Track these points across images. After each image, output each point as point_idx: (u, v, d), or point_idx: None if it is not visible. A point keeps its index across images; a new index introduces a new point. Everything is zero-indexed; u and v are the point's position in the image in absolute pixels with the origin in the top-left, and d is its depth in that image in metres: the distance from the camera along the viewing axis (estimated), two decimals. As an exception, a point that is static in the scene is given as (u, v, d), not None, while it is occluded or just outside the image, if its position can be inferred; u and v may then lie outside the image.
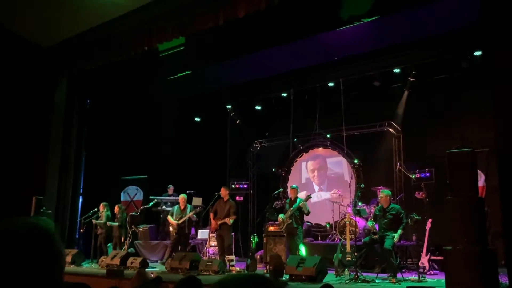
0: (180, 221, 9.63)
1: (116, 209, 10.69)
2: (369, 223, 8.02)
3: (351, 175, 11.28)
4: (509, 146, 5.54)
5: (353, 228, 8.27)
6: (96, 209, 10.68)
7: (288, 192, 9.65)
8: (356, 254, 7.53)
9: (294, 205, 8.56)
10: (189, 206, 9.96)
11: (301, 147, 12.73)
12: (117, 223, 10.52)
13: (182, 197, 10.00)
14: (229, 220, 8.96)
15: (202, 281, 3.55)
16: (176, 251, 9.55)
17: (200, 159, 13.48)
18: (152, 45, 9.58)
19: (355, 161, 11.50)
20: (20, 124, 10.67)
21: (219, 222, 9.04)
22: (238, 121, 13.79)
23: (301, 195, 9.37)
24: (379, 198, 7.88)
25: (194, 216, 9.83)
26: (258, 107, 13.35)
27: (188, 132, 14.06)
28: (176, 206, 10.03)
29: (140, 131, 13.10)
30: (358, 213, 9.33)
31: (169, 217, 9.90)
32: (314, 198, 11.12)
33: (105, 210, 10.68)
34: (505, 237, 5.54)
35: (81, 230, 10.94)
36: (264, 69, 11.79)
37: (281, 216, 8.74)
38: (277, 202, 10.94)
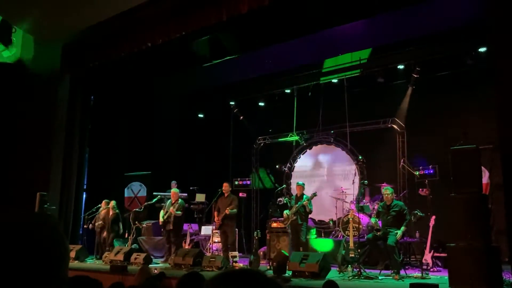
0: (165, 217, 9.68)
1: (111, 204, 10.68)
2: (373, 220, 8.02)
3: (354, 172, 11.26)
4: (513, 143, 5.52)
5: (357, 225, 8.27)
6: (99, 205, 10.71)
7: (294, 189, 9.65)
8: (359, 250, 7.54)
9: (299, 202, 8.57)
10: (180, 201, 9.94)
11: (305, 144, 12.72)
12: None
13: (173, 192, 10.04)
14: (228, 210, 8.96)
15: (205, 277, 3.56)
16: (169, 248, 9.62)
17: (204, 155, 13.49)
18: (155, 41, 9.58)
19: (360, 157, 11.47)
20: (23, 120, 10.70)
21: (221, 216, 9.08)
22: (241, 117, 13.78)
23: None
24: (386, 196, 7.85)
25: (177, 212, 9.71)
26: (261, 104, 13.34)
27: (191, 128, 14.07)
28: (169, 201, 10.05)
29: (144, 127, 13.12)
30: (361, 209, 9.32)
31: (160, 213, 9.94)
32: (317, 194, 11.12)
33: (107, 207, 10.69)
34: (508, 234, 5.53)
35: (84, 226, 10.99)
36: (267, 66, 11.77)
37: (286, 212, 8.75)
38: (280, 199, 10.93)
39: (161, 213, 9.89)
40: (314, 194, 8.83)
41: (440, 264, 8.18)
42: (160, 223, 9.86)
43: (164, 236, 9.97)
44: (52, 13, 9.67)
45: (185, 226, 10.73)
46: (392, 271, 7.26)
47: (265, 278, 0.98)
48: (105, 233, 10.45)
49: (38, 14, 9.73)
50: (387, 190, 7.87)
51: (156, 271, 6.79)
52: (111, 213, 10.50)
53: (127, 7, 9.34)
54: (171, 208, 9.66)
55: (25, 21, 10.06)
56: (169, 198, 11.58)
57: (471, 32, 9.25)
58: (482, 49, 9.54)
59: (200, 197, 11.55)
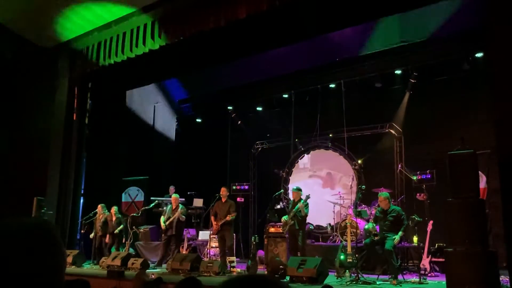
0: (167, 222, 9.66)
1: (112, 211, 10.65)
2: (370, 225, 7.99)
3: (352, 177, 11.26)
4: (509, 148, 5.54)
5: (354, 230, 8.26)
6: (96, 210, 10.68)
7: (291, 194, 9.63)
8: (357, 255, 7.52)
9: (296, 206, 8.56)
10: (180, 206, 9.95)
11: (302, 148, 12.72)
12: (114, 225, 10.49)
13: (174, 197, 10.08)
14: (229, 217, 8.96)
15: (202, 282, 3.55)
16: (167, 253, 9.59)
17: (201, 160, 13.48)
18: (154, 47, 9.58)
19: (359, 161, 11.47)
20: (21, 124, 10.68)
21: (220, 223, 9.05)
22: (239, 122, 13.79)
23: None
24: (380, 202, 7.85)
25: (183, 216, 9.77)
26: (259, 108, 13.35)
27: (189, 133, 14.06)
28: (169, 206, 10.08)
29: (142, 132, 13.10)
30: (359, 214, 9.31)
31: (161, 218, 9.97)
32: (315, 199, 11.10)
33: (103, 211, 10.66)
34: (506, 238, 5.53)
35: (82, 231, 10.95)
36: (265, 70, 11.80)
37: (284, 218, 8.73)
38: (278, 204, 10.91)
39: (162, 218, 9.89)
40: (308, 197, 8.77)
41: (438, 269, 8.18)
42: (163, 228, 9.84)
43: (163, 241, 9.93)
44: (51, 17, 9.68)
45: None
46: (390, 276, 7.24)
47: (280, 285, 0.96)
48: (107, 239, 10.44)
49: (37, 18, 9.74)
50: (381, 196, 7.86)
51: (153, 276, 6.76)
52: (114, 218, 10.48)
53: (125, 12, 9.36)
54: (178, 213, 9.68)
55: (25, 25, 10.06)
56: (168, 203, 11.61)
57: (468, 37, 9.29)
58: (479, 54, 9.59)
59: (198, 202, 11.54)
